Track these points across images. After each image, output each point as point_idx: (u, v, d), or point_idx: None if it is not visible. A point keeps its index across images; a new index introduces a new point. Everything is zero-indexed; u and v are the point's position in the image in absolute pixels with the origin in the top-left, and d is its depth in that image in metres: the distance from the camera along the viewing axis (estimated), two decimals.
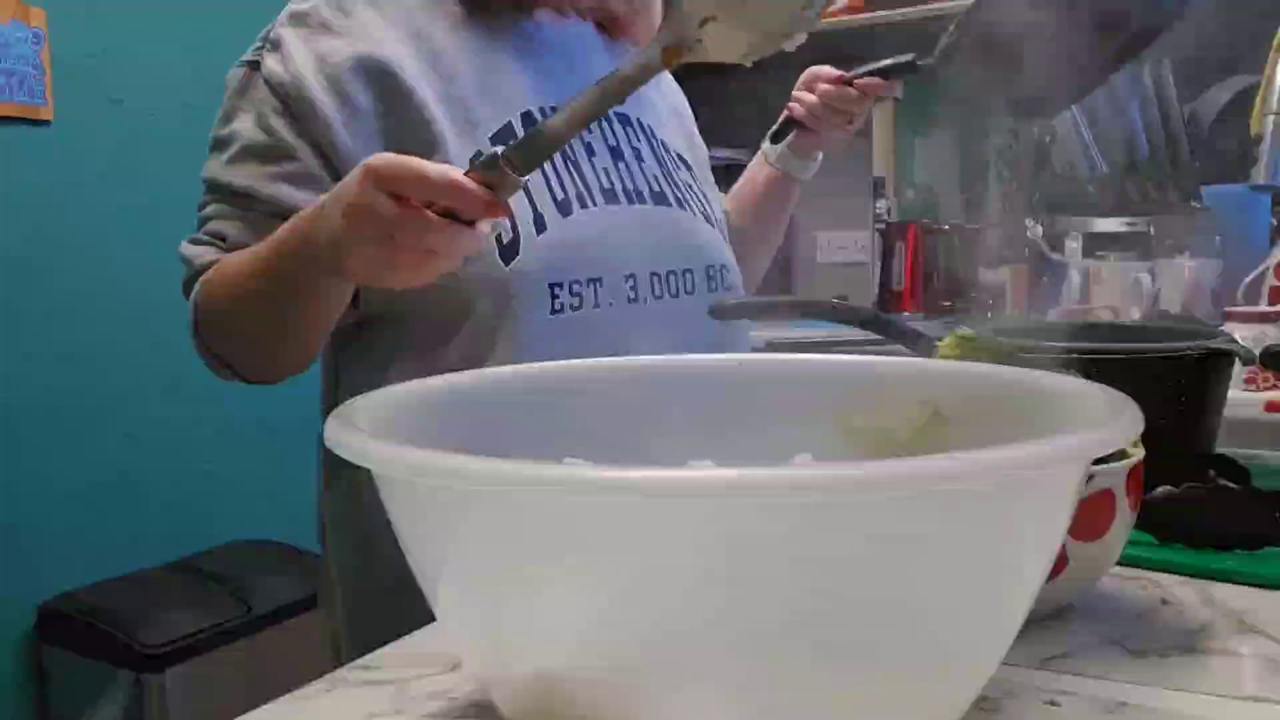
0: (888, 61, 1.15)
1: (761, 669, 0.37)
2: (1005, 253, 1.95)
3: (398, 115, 0.86)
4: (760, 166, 1.22)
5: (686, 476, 0.34)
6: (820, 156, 1.22)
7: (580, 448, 0.54)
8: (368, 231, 0.68)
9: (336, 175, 0.80)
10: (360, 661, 0.57)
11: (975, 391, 0.56)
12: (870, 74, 1.15)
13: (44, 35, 2.02)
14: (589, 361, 0.63)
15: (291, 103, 0.85)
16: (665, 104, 1.09)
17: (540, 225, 0.86)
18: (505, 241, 0.84)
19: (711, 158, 1.16)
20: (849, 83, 1.15)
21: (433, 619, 0.46)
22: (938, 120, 2.33)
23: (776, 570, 0.36)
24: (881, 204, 2.50)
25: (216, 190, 0.89)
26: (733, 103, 1.75)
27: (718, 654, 0.37)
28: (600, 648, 0.38)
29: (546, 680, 0.40)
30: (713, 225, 1.02)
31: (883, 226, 2.46)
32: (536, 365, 0.62)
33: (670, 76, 1.10)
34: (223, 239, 0.87)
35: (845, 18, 2.36)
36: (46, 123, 2.02)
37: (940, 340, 0.73)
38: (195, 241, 0.89)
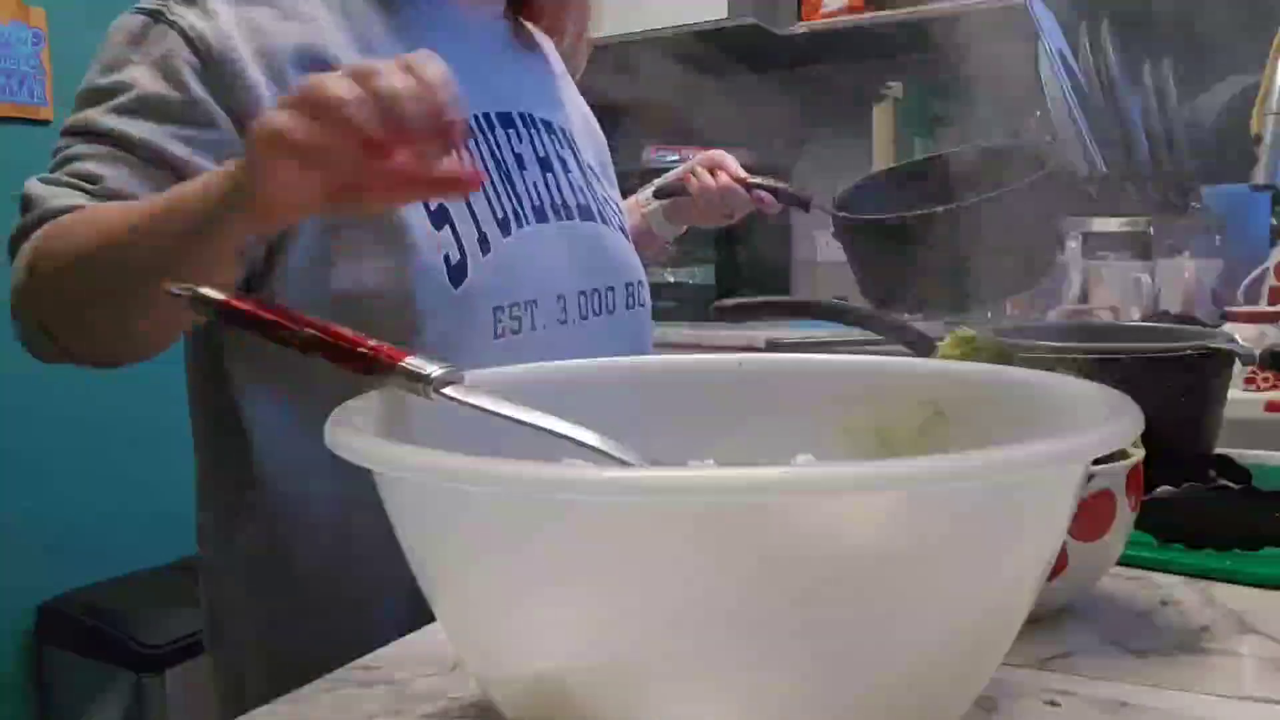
0: (788, 189, 1.25)
1: (761, 669, 0.37)
2: None
3: None
4: (632, 211, 1.25)
5: (687, 476, 0.34)
6: (685, 227, 1.30)
7: (580, 448, 0.54)
8: (290, 140, 0.56)
9: None
10: (360, 661, 0.57)
11: (975, 391, 0.56)
12: (769, 189, 1.24)
13: (44, 35, 2.02)
14: (587, 362, 0.63)
15: (214, 63, 0.73)
16: (577, 112, 1.04)
17: (485, 245, 0.81)
18: (454, 263, 0.78)
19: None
20: (748, 187, 1.23)
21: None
22: (937, 120, 2.32)
23: (777, 570, 0.36)
24: None
25: (93, 135, 0.73)
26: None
27: (718, 654, 0.37)
28: (600, 648, 0.38)
29: (546, 680, 0.40)
30: (628, 238, 0.99)
31: None
32: (535, 365, 0.62)
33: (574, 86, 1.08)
34: (93, 181, 0.71)
35: (845, 18, 2.36)
36: (46, 123, 2.02)
37: (940, 340, 0.73)
38: (50, 182, 0.73)
